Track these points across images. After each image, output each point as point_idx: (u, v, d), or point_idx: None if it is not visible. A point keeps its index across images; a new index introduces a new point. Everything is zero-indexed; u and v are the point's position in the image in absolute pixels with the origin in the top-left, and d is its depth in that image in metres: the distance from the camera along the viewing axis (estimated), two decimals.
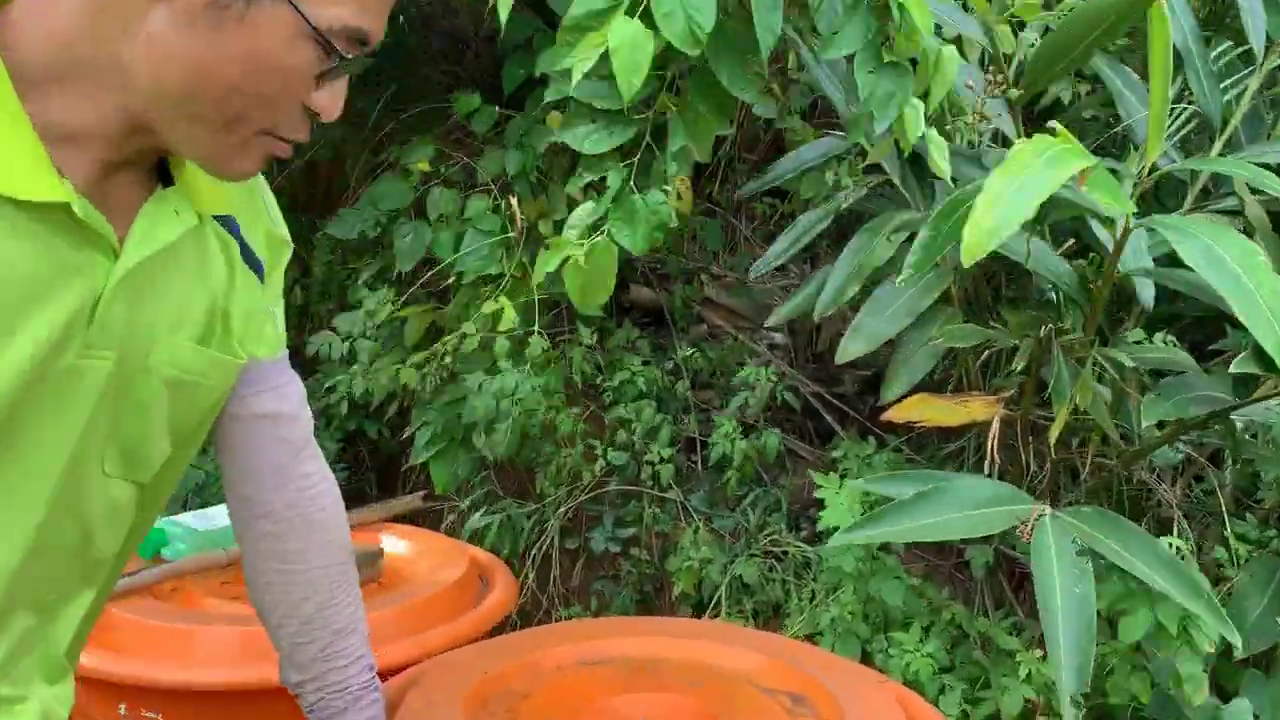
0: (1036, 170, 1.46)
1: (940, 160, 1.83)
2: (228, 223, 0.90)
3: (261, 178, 0.96)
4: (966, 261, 1.43)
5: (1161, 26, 1.49)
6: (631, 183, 1.82)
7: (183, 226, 0.83)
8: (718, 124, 1.86)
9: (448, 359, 2.18)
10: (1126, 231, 1.69)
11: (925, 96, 1.80)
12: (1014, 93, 1.87)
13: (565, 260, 1.77)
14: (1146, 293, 1.96)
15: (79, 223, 0.75)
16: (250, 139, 0.78)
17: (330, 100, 0.79)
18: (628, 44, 1.59)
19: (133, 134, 0.78)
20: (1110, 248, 1.84)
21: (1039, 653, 1.64)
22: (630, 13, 1.62)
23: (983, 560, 2.11)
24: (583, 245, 1.76)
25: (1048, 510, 1.50)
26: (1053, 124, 1.49)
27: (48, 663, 0.86)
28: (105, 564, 0.90)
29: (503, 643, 1.45)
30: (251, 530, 1.01)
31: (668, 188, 1.85)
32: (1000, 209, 1.43)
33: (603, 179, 1.83)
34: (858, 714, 1.25)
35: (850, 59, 1.76)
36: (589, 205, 1.82)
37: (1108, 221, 1.71)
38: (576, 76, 1.63)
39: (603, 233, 1.80)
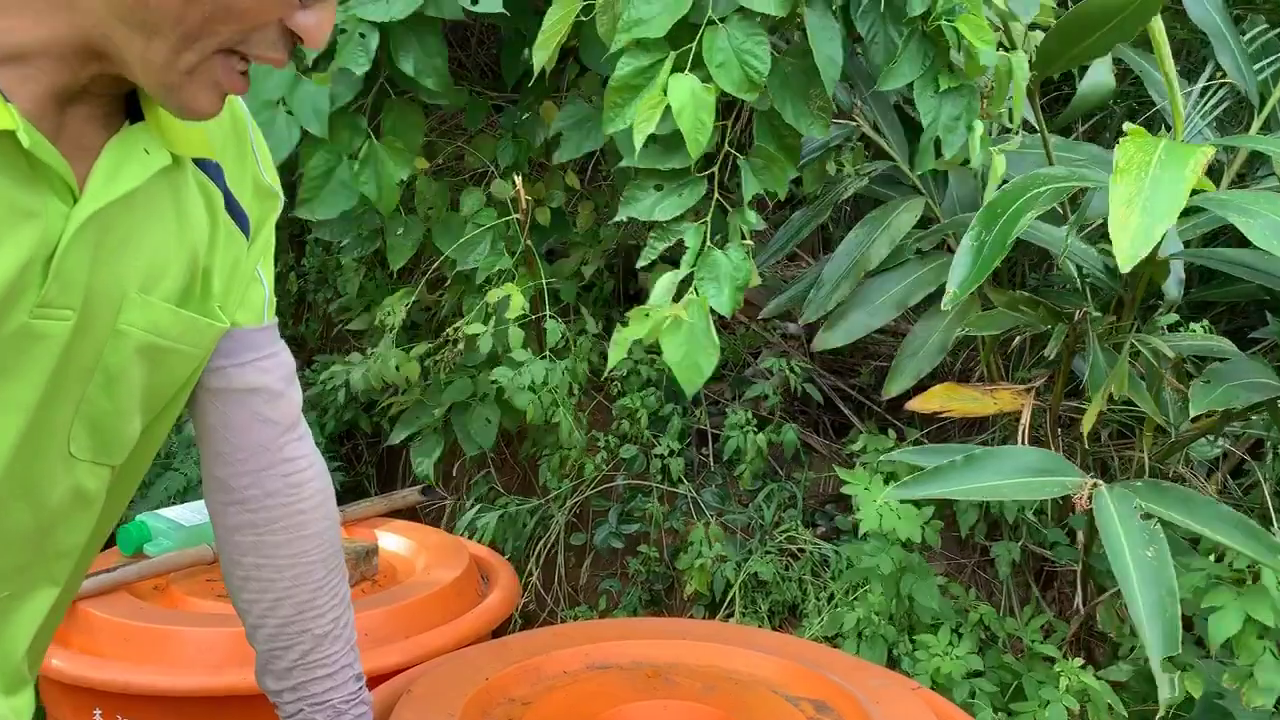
0: (1161, 169, 1.34)
1: (998, 177, 1.75)
2: (211, 170, 0.80)
3: (252, 120, 0.86)
4: (1125, 268, 1.30)
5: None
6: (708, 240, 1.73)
7: (153, 167, 0.73)
8: (789, 164, 1.80)
9: (459, 345, 2.08)
10: None
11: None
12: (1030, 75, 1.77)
13: (662, 323, 1.63)
14: (1176, 277, 1.86)
15: (27, 156, 0.65)
16: (211, 60, 0.68)
17: (316, 25, 0.69)
18: (689, 102, 1.56)
19: (87, 57, 0.68)
20: None
21: (1078, 660, 1.54)
22: (680, 67, 1.58)
23: (1009, 558, 2.01)
24: (669, 308, 1.64)
25: (1103, 482, 1.41)
26: (1128, 126, 1.41)
27: (3, 671, 0.77)
28: (69, 557, 0.81)
29: (504, 645, 1.36)
30: (228, 518, 0.91)
31: (746, 241, 1.75)
32: (1139, 213, 1.30)
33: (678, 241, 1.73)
34: None
35: (909, 86, 1.73)
36: (669, 275, 1.70)
37: None
38: (639, 143, 1.58)
39: (693, 292, 1.69)
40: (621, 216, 1.74)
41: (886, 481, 1.81)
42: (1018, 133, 2.00)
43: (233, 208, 0.81)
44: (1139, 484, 1.46)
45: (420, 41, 1.85)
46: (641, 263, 1.78)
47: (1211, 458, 2.08)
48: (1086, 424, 1.68)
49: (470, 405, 2.12)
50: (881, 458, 1.76)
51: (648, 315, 1.66)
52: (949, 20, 1.66)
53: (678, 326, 1.63)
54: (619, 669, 1.31)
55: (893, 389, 1.89)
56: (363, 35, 1.79)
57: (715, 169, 1.75)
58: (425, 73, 1.85)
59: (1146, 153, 1.35)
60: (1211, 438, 1.97)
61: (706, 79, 1.58)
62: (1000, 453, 1.50)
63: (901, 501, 1.83)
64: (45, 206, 0.67)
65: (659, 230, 1.75)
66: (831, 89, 1.68)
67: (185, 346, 0.79)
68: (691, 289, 1.70)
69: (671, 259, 1.78)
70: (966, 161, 1.82)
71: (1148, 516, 1.34)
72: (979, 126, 1.77)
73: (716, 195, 1.76)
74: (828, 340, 1.92)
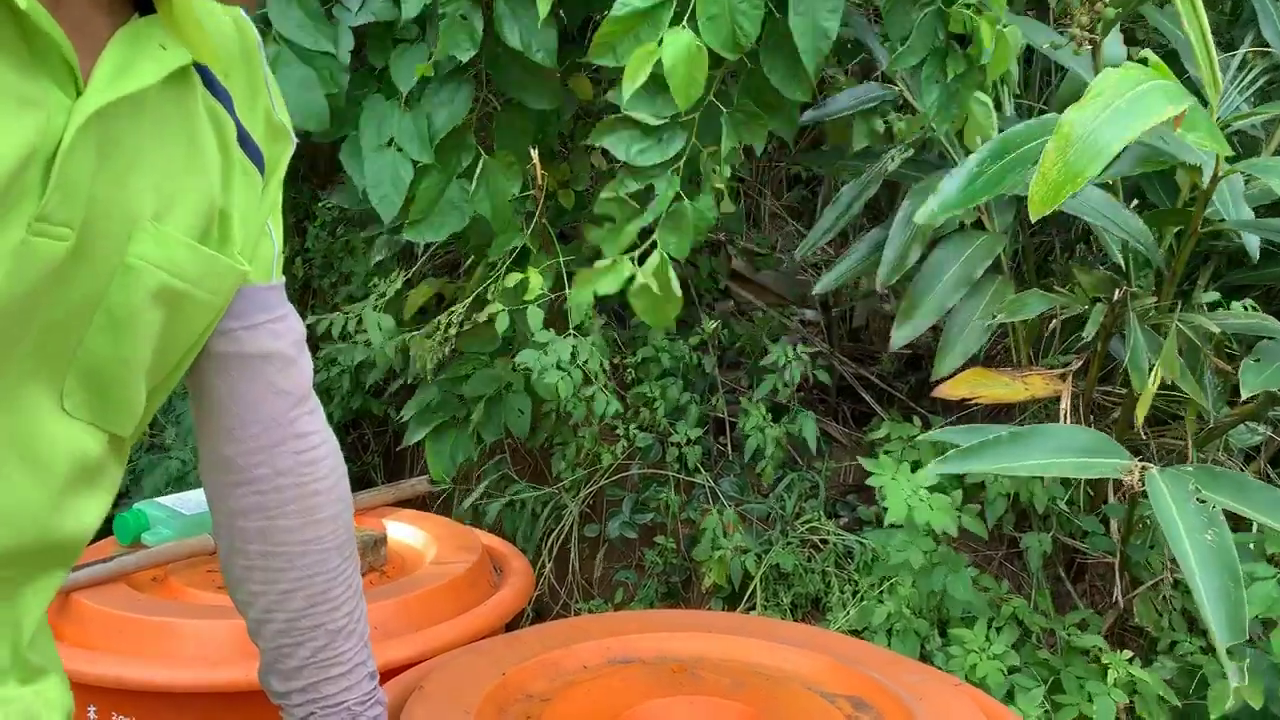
0: (1122, 109, 1.28)
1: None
2: (220, 96, 0.70)
3: (263, 46, 0.77)
4: (1034, 216, 1.26)
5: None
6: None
7: (170, 65, 0.63)
8: (771, 121, 1.78)
9: (451, 330, 2.00)
10: (1215, 181, 1.51)
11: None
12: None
13: (629, 281, 1.66)
14: (1252, 243, 1.77)
15: (26, 38, 0.55)
16: None
17: None
18: (684, 58, 1.54)
19: None
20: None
21: (1127, 653, 1.46)
22: (679, 14, 1.54)
23: (1040, 549, 1.94)
24: (633, 264, 1.65)
25: (1153, 465, 1.34)
26: (1145, 52, 1.32)
27: (16, 658, 0.67)
28: (79, 538, 0.69)
29: (520, 639, 1.28)
30: (231, 501, 0.82)
31: (719, 185, 1.73)
32: (1074, 154, 1.26)
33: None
34: None
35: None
36: (633, 221, 1.70)
37: (1192, 169, 1.53)
38: (628, 93, 1.56)
39: (653, 243, 1.69)
40: (594, 143, 1.69)
41: (913, 470, 1.74)
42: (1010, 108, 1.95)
43: (246, 142, 0.72)
44: (1188, 468, 1.38)
45: (526, 8, 1.72)
46: (605, 195, 1.72)
47: (1251, 445, 2.00)
48: (1140, 411, 1.59)
49: (502, 396, 2.03)
50: (920, 437, 1.68)
51: (610, 268, 1.65)
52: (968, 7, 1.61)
53: (642, 287, 1.66)
54: (642, 664, 1.24)
55: (943, 368, 1.81)
56: (464, 16, 1.69)
57: (695, 120, 1.70)
58: (534, 45, 1.74)
59: (1124, 89, 1.27)
60: (1252, 424, 1.89)
61: (694, 29, 1.54)
62: (1048, 430, 1.43)
63: (930, 489, 1.76)
64: (46, 96, 0.57)
65: (632, 170, 1.70)
66: (813, 62, 1.64)
67: (204, 293, 0.69)
68: (655, 244, 1.69)
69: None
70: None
71: (1202, 500, 1.26)
72: (987, 102, 1.74)
73: (694, 140, 1.71)
74: (903, 336, 1.86)
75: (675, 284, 1.71)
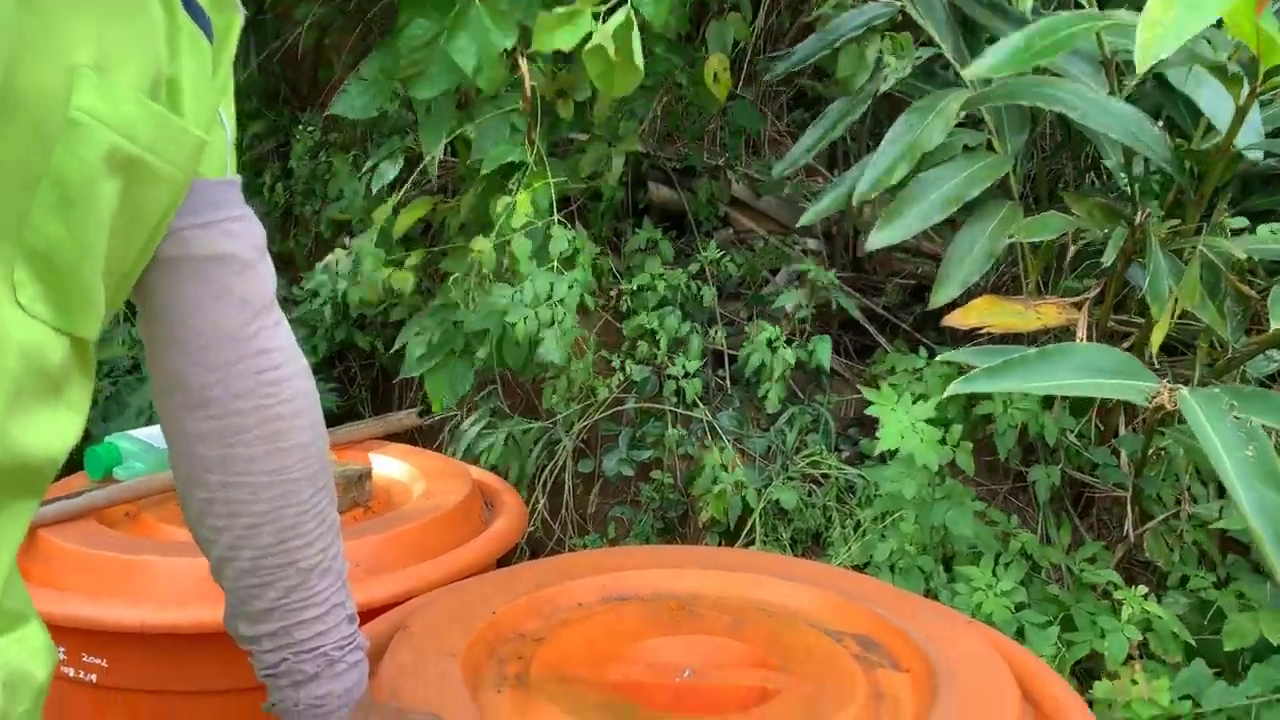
0: None
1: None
2: None
3: None
4: (1143, 65, 1.14)
5: None
6: None
7: None
8: None
9: (456, 266, 1.91)
10: (1253, 96, 1.42)
11: None
12: None
13: (585, 41, 1.48)
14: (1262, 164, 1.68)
15: None
16: None
17: None
18: None
19: None
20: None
21: (1143, 589, 1.41)
22: None
23: (1049, 482, 1.88)
24: (596, 21, 1.47)
25: (1182, 386, 1.27)
26: None
27: None
28: (43, 459, 0.61)
29: (512, 575, 1.22)
30: (186, 426, 0.74)
31: None
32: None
33: None
34: (948, 662, 1.02)
35: None
36: None
37: (1232, 79, 1.43)
38: None
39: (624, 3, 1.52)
40: None
41: (915, 403, 1.67)
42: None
43: (191, 6, 0.64)
44: (1218, 389, 1.31)
45: None
46: None
47: (1268, 374, 1.93)
48: (1156, 338, 1.52)
49: (506, 329, 1.93)
50: (937, 359, 1.61)
51: (570, 18, 1.52)
52: None
53: (597, 48, 1.51)
54: (639, 601, 1.18)
55: (940, 298, 1.73)
56: None
57: None
58: None
59: None
60: (1273, 352, 1.82)
61: None
62: (1074, 349, 1.36)
63: (930, 422, 1.70)
64: None
65: None
66: None
67: (161, 162, 0.61)
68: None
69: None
70: None
71: (1239, 418, 1.20)
72: None
73: None
74: (880, 239, 1.75)
75: (638, 51, 1.54)
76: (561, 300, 1.73)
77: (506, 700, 0.96)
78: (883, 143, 1.83)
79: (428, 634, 1.03)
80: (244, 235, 0.72)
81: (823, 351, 2.02)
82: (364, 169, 2.09)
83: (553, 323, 1.73)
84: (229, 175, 0.71)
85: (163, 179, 0.62)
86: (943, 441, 1.67)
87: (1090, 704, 1.24)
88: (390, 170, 1.98)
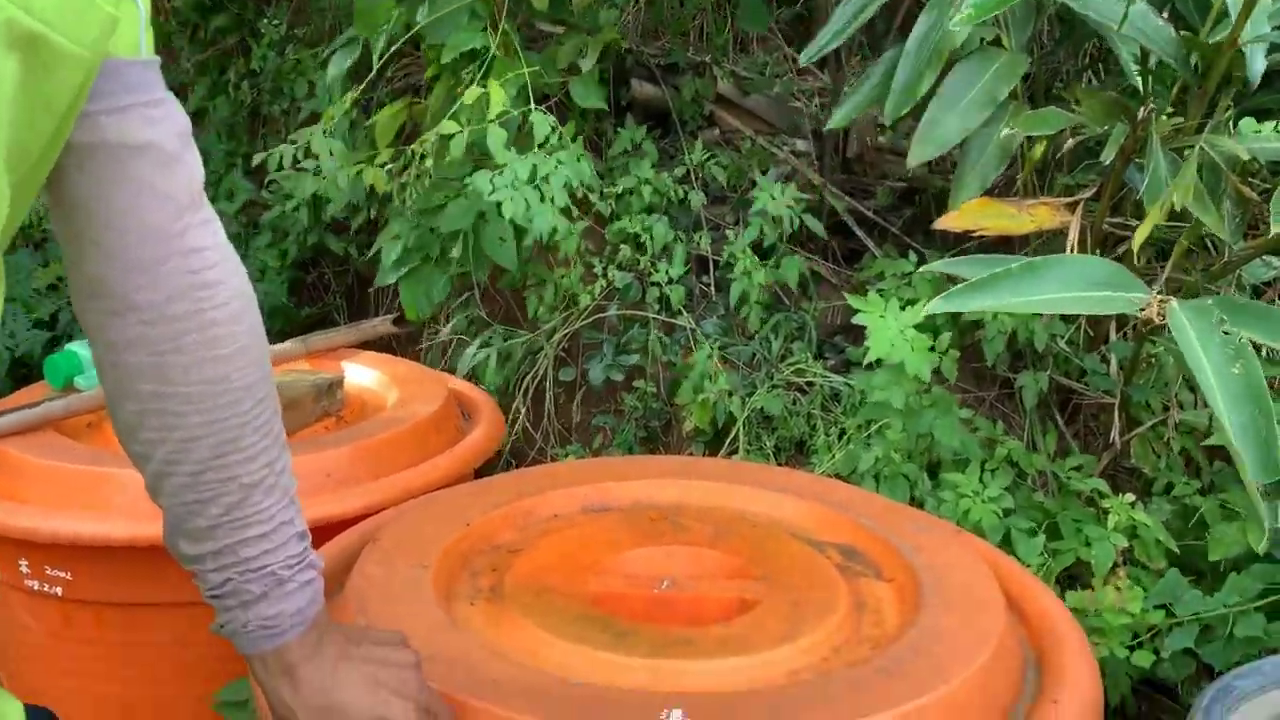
0: None
1: None
2: None
3: None
4: None
5: None
6: None
7: None
8: None
9: (427, 161, 1.81)
10: None
11: None
12: None
13: None
14: (1257, 66, 1.61)
15: None
16: None
17: None
18: None
19: None
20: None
21: (1129, 497, 1.39)
22: None
23: (1036, 388, 1.85)
24: None
25: (1172, 297, 1.23)
26: None
27: None
28: None
29: (487, 486, 1.19)
30: (111, 334, 0.68)
31: None
32: None
33: None
34: (934, 571, 0.99)
35: None
36: None
37: None
38: None
39: None
40: None
41: (903, 309, 1.63)
42: None
43: None
44: (1210, 300, 1.27)
45: None
46: None
47: (1265, 280, 1.89)
48: (1139, 238, 1.47)
49: (480, 225, 1.84)
50: (922, 269, 1.56)
51: None
52: None
53: None
54: (619, 512, 1.15)
55: (961, 198, 1.66)
56: None
57: None
58: None
59: None
60: (1270, 257, 1.78)
61: None
62: (1062, 261, 1.31)
63: (919, 329, 1.66)
64: None
65: None
66: None
67: (63, 38, 0.54)
68: None
69: None
70: None
71: (1228, 333, 1.16)
72: None
73: None
74: (922, 153, 1.68)
75: None
76: (547, 178, 1.64)
77: (479, 613, 0.93)
78: (907, 45, 1.73)
79: (398, 546, 1.00)
80: (165, 121, 0.65)
81: (790, 272, 1.98)
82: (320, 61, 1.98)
83: (543, 200, 1.65)
84: (145, 55, 0.64)
85: (68, 58, 0.55)
86: (932, 349, 1.63)
87: None
88: (343, 60, 1.88)
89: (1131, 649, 1.31)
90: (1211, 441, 1.53)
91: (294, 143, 1.89)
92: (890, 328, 1.59)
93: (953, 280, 1.41)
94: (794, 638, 0.89)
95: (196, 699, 1.20)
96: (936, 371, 1.67)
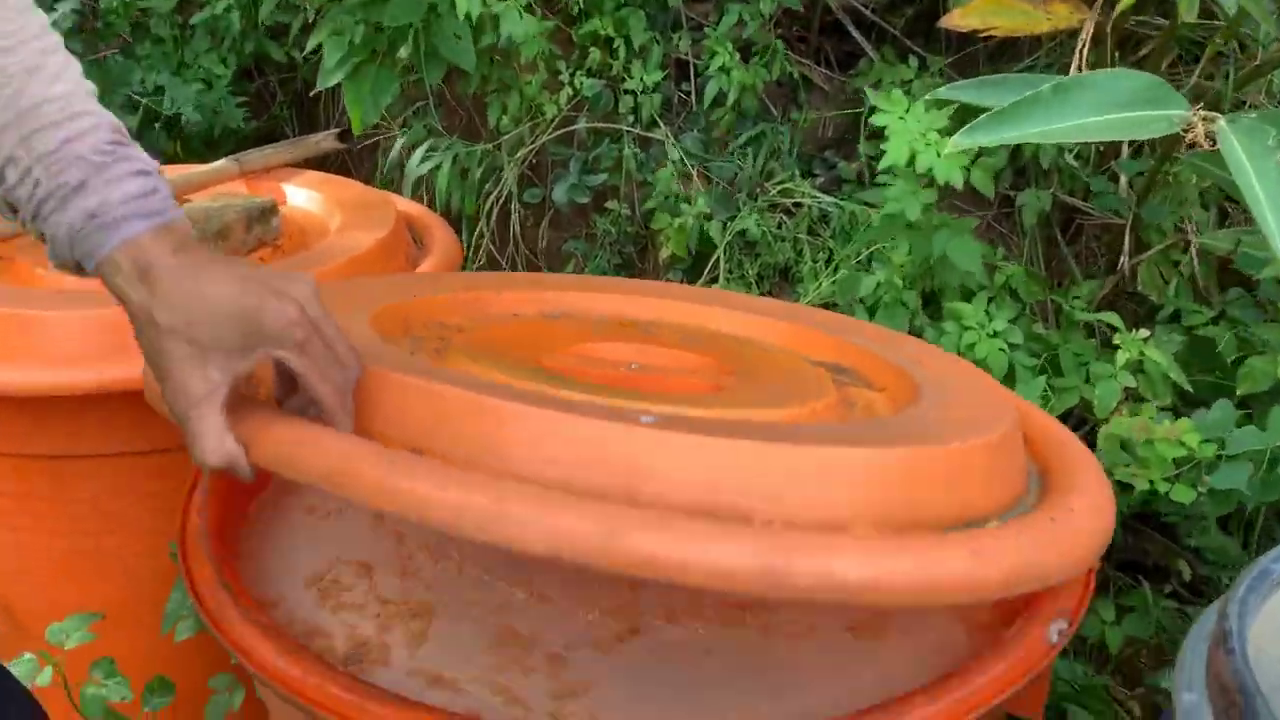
0: None
1: None
2: None
3: None
4: None
5: None
6: None
7: None
8: None
9: None
10: None
11: None
12: None
13: None
14: None
15: None
16: None
17: None
18: None
19: None
20: None
21: (1144, 332, 1.28)
22: None
23: (1038, 207, 1.72)
24: None
25: (1216, 114, 1.09)
26: None
27: None
28: None
29: (438, 276, 1.05)
30: None
31: None
32: None
33: None
34: (934, 380, 0.87)
35: None
36: None
37: None
38: None
39: None
40: None
41: (926, 111, 1.45)
42: None
43: None
44: (1255, 115, 1.13)
45: None
46: None
47: None
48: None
49: (430, 21, 1.63)
50: (926, 97, 1.38)
51: None
52: None
53: None
54: (586, 319, 1.02)
55: None
56: None
57: None
58: None
59: None
60: None
61: None
62: (1094, 78, 1.15)
63: (941, 132, 1.49)
64: None
65: None
66: None
67: None
68: None
69: None
70: None
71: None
72: None
73: None
74: None
75: None
76: None
77: (420, 361, 0.79)
78: None
79: (331, 297, 0.81)
80: None
81: (775, 63, 1.78)
82: None
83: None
84: None
85: None
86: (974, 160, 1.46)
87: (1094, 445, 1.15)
88: None
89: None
90: (1270, 272, 1.40)
91: None
92: (911, 129, 1.41)
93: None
94: (775, 407, 0.77)
95: (135, 555, 1.12)
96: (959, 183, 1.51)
